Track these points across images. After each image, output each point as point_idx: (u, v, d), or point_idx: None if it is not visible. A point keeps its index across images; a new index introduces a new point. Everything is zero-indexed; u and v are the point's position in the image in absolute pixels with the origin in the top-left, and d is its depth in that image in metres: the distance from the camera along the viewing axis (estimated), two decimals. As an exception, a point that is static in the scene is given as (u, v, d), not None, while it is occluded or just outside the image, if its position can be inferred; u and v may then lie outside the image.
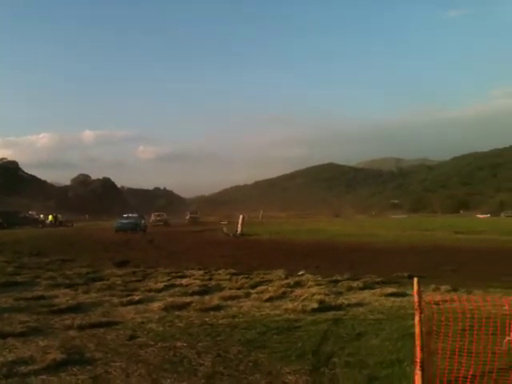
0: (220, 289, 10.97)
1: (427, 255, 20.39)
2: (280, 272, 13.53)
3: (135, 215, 47.99)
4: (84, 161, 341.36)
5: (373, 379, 4.94)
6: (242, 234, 35.84)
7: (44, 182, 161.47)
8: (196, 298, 9.70)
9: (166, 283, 11.61)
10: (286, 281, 11.90)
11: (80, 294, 10.23)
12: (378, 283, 11.82)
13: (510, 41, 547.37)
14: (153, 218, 62.10)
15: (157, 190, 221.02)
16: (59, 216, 66.00)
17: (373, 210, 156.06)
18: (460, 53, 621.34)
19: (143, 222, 46.10)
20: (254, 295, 9.93)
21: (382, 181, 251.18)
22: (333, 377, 5.06)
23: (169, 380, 4.99)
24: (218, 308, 8.66)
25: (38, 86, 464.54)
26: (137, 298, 9.55)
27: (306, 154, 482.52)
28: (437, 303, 7.39)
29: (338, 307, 8.71)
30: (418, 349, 4.24)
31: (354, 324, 7.46)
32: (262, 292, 10.23)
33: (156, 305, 8.89)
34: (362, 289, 10.96)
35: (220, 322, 7.64)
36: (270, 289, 10.56)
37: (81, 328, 7.13)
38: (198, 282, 11.88)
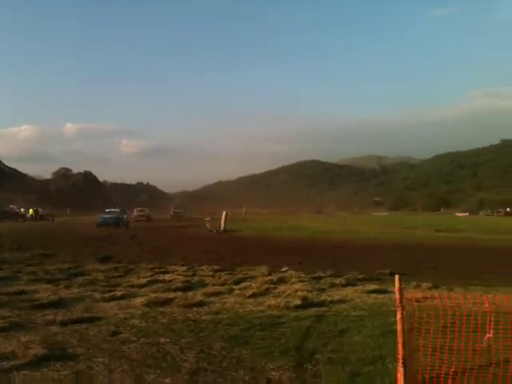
0: (203, 285, 10.95)
1: (409, 252, 20.62)
2: (263, 268, 13.55)
3: (117, 210, 47.57)
4: (66, 154, 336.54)
5: (355, 376, 4.98)
6: (225, 230, 35.83)
7: (25, 176, 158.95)
8: (179, 293, 9.66)
9: (149, 279, 11.55)
10: (269, 277, 11.92)
11: (62, 289, 10.12)
12: (360, 280, 11.89)
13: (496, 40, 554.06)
14: (135, 213, 61.73)
15: (140, 184, 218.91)
16: (40, 210, 65.34)
17: (355, 207, 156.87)
18: (443, 52, 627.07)
19: (126, 216, 45.69)
20: (237, 291, 9.93)
21: (364, 178, 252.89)
22: (316, 373, 5.10)
23: (152, 376, 4.98)
24: (201, 304, 8.65)
25: (19, 77, 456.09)
26: (119, 293, 9.49)
27: (290, 151, 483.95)
28: (418, 300, 7.52)
29: (321, 304, 8.76)
30: (399, 346, 4.28)
31: (336, 320, 7.51)
32: (245, 288, 10.24)
33: (139, 300, 8.84)
34: (345, 285, 11.03)
35: (203, 318, 7.64)
36: (253, 285, 10.58)
37: (63, 323, 7.07)
38: (181, 277, 11.84)
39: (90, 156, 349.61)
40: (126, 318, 7.54)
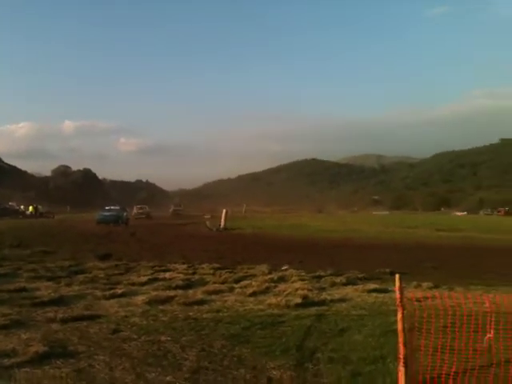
0: (204, 283, 10.95)
1: (409, 252, 20.64)
2: (264, 267, 13.55)
3: (117, 207, 47.49)
4: (65, 152, 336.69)
5: (356, 375, 4.98)
6: (225, 228, 35.82)
7: (24, 173, 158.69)
8: (180, 292, 9.68)
9: (150, 277, 11.56)
10: (269, 276, 11.92)
11: (62, 287, 10.13)
12: (360, 279, 11.90)
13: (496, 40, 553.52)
14: (135, 210, 61.63)
15: (139, 182, 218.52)
16: (40, 207, 65.14)
17: (355, 206, 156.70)
18: (443, 52, 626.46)
19: (125, 214, 45.66)
20: (237, 290, 9.94)
21: (364, 177, 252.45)
22: (317, 372, 5.10)
23: (153, 374, 4.98)
24: (201, 302, 8.65)
25: (19, 76, 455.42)
26: (120, 291, 9.50)
27: (290, 150, 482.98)
28: (418, 300, 7.54)
29: (322, 303, 8.76)
30: (400, 345, 4.28)
31: (337, 320, 7.51)
32: (245, 287, 10.25)
33: (139, 298, 8.85)
34: (345, 284, 11.03)
35: (204, 316, 7.65)
36: (253, 283, 10.59)
37: (63, 321, 7.08)
38: (181, 275, 11.85)
39: (89, 153, 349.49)
40: (126, 316, 7.54)
